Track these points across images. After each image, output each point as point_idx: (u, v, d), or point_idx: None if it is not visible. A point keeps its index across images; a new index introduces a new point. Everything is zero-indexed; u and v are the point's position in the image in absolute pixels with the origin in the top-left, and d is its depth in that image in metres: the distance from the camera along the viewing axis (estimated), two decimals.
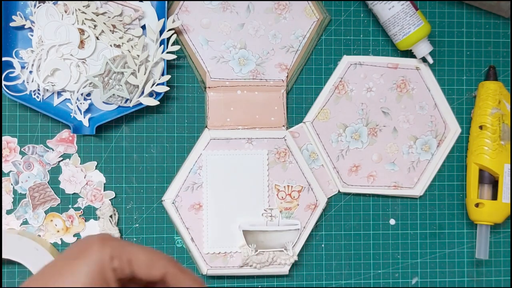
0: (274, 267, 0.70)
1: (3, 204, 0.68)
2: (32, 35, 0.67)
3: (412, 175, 0.73)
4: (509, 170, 0.71)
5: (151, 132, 0.71)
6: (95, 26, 0.67)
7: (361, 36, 0.74)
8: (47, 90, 0.67)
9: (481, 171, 0.72)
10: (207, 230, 0.69)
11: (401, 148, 0.73)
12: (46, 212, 0.69)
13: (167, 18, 0.68)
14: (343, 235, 0.73)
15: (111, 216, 0.69)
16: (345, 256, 0.73)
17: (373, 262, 0.73)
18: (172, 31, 0.68)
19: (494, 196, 0.72)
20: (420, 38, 0.69)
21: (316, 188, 0.71)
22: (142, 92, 0.68)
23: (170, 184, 0.70)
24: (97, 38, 0.67)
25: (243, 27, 0.71)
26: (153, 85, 0.68)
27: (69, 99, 0.68)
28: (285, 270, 0.70)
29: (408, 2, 0.69)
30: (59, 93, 0.68)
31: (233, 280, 0.71)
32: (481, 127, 0.72)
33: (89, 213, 0.70)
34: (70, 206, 0.69)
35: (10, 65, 0.67)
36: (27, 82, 0.67)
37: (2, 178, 0.68)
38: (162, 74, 0.68)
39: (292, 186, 0.71)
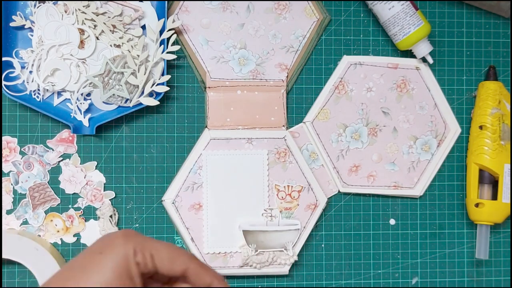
0: (274, 267, 0.70)
1: (3, 204, 0.68)
2: (32, 35, 0.67)
3: (412, 175, 0.73)
4: (509, 170, 0.71)
5: (151, 132, 0.71)
6: (95, 26, 0.67)
7: (361, 36, 0.74)
8: (47, 90, 0.67)
9: (481, 171, 0.72)
10: (207, 230, 0.69)
11: (401, 148, 0.73)
12: (46, 212, 0.69)
13: (167, 18, 0.68)
14: (343, 235, 0.73)
15: (111, 216, 0.69)
16: (345, 256, 0.73)
17: (373, 262, 0.73)
18: (172, 31, 0.68)
19: (494, 196, 0.72)
20: (420, 38, 0.69)
21: (316, 188, 0.71)
22: (142, 92, 0.68)
23: (170, 184, 0.70)
24: (97, 38, 0.67)
25: (243, 27, 0.71)
26: (153, 85, 0.68)
27: (69, 99, 0.68)
28: (285, 270, 0.70)
29: (408, 2, 0.69)
30: (59, 93, 0.68)
31: (233, 280, 0.71)
32: (481, 127, 0.72)
33: (89, 213, 0.70)
34: (70, 206, 0.69)
35: (10, 65, 0.67)
36: (27, 82, 0.67)
37: (2, 178, 0.68)
38: (162, 74, 0.68)
39: (292, 186, 0.71)
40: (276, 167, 0.71)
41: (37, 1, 0.67)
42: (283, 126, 0.71)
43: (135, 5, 0.68)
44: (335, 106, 0.73)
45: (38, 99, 0.67)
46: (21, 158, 0.69)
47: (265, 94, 0.71)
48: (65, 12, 0.67)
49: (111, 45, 0.67)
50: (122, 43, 0.67)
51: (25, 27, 0.67)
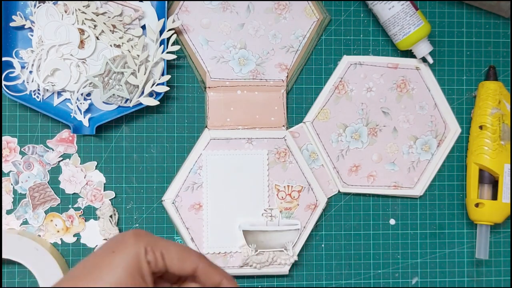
0: (274, 267, 0.70)
1: (3, 204, 0.68)
2: (32, 35, 0.67)
3: (412, 175, 0.73)
4: (509, 170, 0.71)
5: (151, 132, 0.71)
6: (95, 26, 0.67)
7: (361, 36, 0.74)
8: (47, 90, 0.67)
9: (481, 171, 0.72)
10: (207, 230, 0.69)
11: (401, 148, 0.73)
12: (46, 212, 0.69)
13: (167, 18, 0.68)
14: (343, 235, 0.73)
15: (111, 216, 0.69)
16: (345, 256, 0.73)
17: (373, 262, 0.73)
18: (172, 31, 0.68)
19: (494, 196, 0.72)
20: (420, 38, 0.69)
21: (316, 188, 0.71)
22: (142, 92, 0.68)
23: (170, 184, 0.70)
24: (97, 38, 0.67)
25: (243, 27, 0.71)
26: (153, 85, 0.68)
27: (69, 99, 0.68)
28: (285, 270, 0.70)
29: (408, 2, 0.69)
30: (59, 93, 0.68)
31: None
32: (481, 127, 0.72)
33: (89, 213, 0.70)
34: (70, 206, 0.69)
35: (10, 65, 0.67)
36: (27, 82, 0.67)
37: (2, 178, 0.68)
38: (162, 74, 0.68)
39: (292, 186, 0.71)
40: (276, 167, 0.71)
41: (37, 1, 0.67)
42: (283, 126, 0.71)
43: (135, 5, 0.68)
44: (335, 106, 0.73)
45: (38, 99, 0.67)
46: (21, 158, 0.69)
47: (265, 94, 0.71)
48: (65, 12, 0.67)
49: (111, 45, 0.67)
50: (122, 43, 0.67)
51: (25, 27, 0.67)
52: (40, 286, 0.65)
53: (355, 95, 0.73)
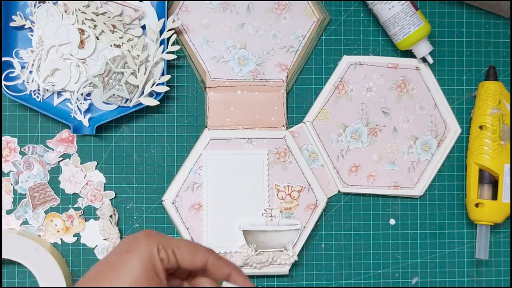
0: (274, 267, 0.70)
1: (3, 204, 0.68)
2: (32, 35, 0.67)
3: (412, 175, 0.73)
4: (509, 170, 0.71)
5: (151, 132, 0.71)
6: (95, 26, 0.67)
7: (361, 36, 0.74)
8: (47, 90, 0.67)
9: (481, 171, 0.72)
10: (207, 230, 0.69)
11: (401, 148, 0.73)
12: (46, 212, 0.69)
13: (167, 18, 0.68)
14: (343, 235, 0.73)
15: (111, 216, 0.69)
16: (345, 256, 0.73)
17: (373, 262, 0.73)
18: (172, 31, 0.68)
19: (494, 196, 0.72)
20: (420, 38, 0.69)
21: (316, 188, 0.71)
22: (142, 92, 0.68)
23: (170, 184, 0.70)
24: (97, 38, 0.67)
25: (243, 27, 0.71)
26: (153, 85, 0.68)
27: (69, 99, 0.68)
28: (285, 270, 0.70)
29: (408, 2, 0.69)
30: (59, 93, 0.68)
31: None
32: (481, 127, 0.72)
33: (89, 213, 0.70)
34: (70, 206, 0.69)
35: (10, 65, 0.67)
36: (27, 82, 0.67)
37: (2, 178, 0.68)
38: (162, 74, 0.68)
39: (292, 186, 0.71)
40: (276, 167, 0.71)
41: (37, 1, 0.67)
42: (283, 126, 0.71)
43: (135, 5, 0.68)
44: (335, 106, 0.73)
45: (38, 99, 0.67)
46: (21, 158, 0.69)
47: (265, 94, 0.71)
48: (65, 12, 0.67)
49: (111, 45, 0.67)
50: (122, 43, 0.67)
51: (25, 27, 0.67)
52: (40, 286, 0.65)
53: (355, 95, 0.73)
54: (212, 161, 0.70)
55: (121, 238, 0.69)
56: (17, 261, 0.65)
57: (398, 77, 0.73)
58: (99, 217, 0.69)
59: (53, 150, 0.69)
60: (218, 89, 0.71)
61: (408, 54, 0.73)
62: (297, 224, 0.70)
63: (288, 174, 0.71)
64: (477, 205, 0.72)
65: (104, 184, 0.70)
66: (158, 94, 0.68)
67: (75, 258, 0.69)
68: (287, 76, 0.72)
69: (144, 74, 0.67)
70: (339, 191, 0.73)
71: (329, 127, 0.72)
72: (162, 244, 0.45)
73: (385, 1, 0.69)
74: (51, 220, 0.69)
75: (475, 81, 0.76)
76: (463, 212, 0.75)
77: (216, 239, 0.69)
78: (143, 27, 0.69)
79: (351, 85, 0.73)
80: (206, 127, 0.71)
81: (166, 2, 0.68)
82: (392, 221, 0.74)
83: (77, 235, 0.70)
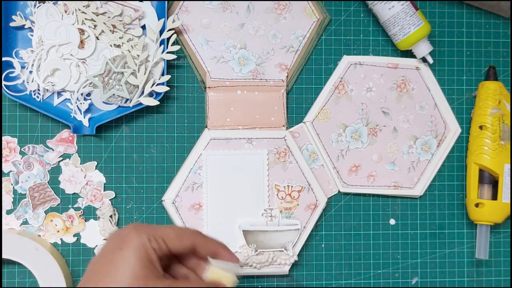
0: (274, 267, 0.70)
1: (3, 204, 0.68)
2: (32, 35, 0.67)
3: (412, 175, 0.73)
4: (509, 170, 0.71)
5: (151, 132, 0.71)
6: (95, 26, 0.67)
7: (361, 36, 0.74)
8: (47, 90, 0.67)
9: (481, 171, 0.72)
10: (207, 230, 0.69)
11: (401, 148, 0.73)
12: (46, 212, 0.69)
13: (167, 18, 0.68)
14: (343, 235, 0.73)
15: (111, 216, 0.69)
16: (345, 256, 0.73)
17: (373, 262, 0.73)
18: (172, 31, 0.68)
19: (494, 196, 0.72)
20: (420, 38, 0.69)
21: (316, 188, 0.71)
22: (142, 92, 0.68)
23: (170, 184, 0.70)
24: (97, 38, 0.67)
25: (243, 27, 0.71)
26: (153, 85, 0.68)
27: (69, 99, 0.68)
28: (285, 270, 0.70)
29: (408, 2, 0.69)
30: (59, 93, 0.68)
31: None
32: (481, 127, 0.72)
33: (89, 213, 0.70)
34: (70, 206, 0.69)
35: (10, 65, 0.67)
36: (27, 82, 0.67)
37: (2, 178, 0.69)
38: (162, 74, 0.68)
39: (292, 186, 0.71)
40: (276, 167, 0.71)
41: (37, 1, 0.67)
42: (283, 126, 0.71)
43: (135, 5, 0.68)
44: (335, 106, 0.73)
45: (38, 99, 0.67)
46: (21, 158, 0.69)
47: (265, 94, 0.71)
48: (65, 12, 0.67)
49: (111, 45, 0.67)
50: (122, 43, 0.67)
51: (25, 27, 0.67)
52: (40, 286, 0.65)
53: (355, 95, 0.73)
54: (212, 161, 0.70)
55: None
56: (17, 261, 0.65)
57: (398, 77, 0.73)
58: (99, 217, 0.69)
59: (53, 150, 0.69)
60: (218, 89, 0.71)
61: (408, 54, 0.73)
62: (297, 224, 0.70)
63: (288, 174, 0.71)
64: (477, 205, 0.72)
65: (104, 184, 0.70)
66: (158, 94, 0.68)
67: (75, 258, 0.69)
68: (287, 76, 0.72)
69: (144, 74, 0.67)
70: (339, 191, 0.73)
71: (329, 127, 0.72)
72: (152, 234, 0.47)
73: (385, 1, 0.69)
74: (51, 220, 0.69)
75: (475, 81, 0.76)
76: (463, 212, 0.75)
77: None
78: (143, 27, 0.69)
79: (351, 85, 0.73)
80: (206, 127, 0.71)
81: (166, 2, 0.68)
82: (392, 221, 0.74)
83: (77, 235, 0.70)
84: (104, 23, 0.67)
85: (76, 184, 0.69)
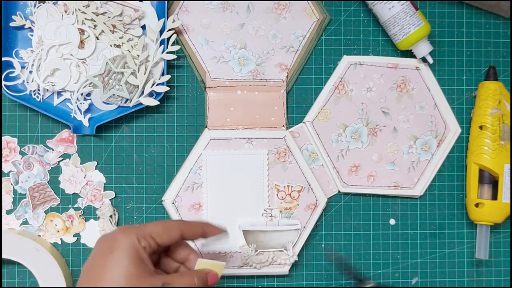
0: (274, 267, 0.70)
1: (3, 204, 0.68)
2: (32, 35, 0.67)
3: (412, 175, 0.73)
4: (509, 170, 0.71)
5: (151, 132, 0.71)
6: (95, 26, 0.67)
7: (361, 36, 0.74)
8: (47, 90, 0.67)
9: (481, 171, 0.72)
10: None
11: (401, 148, 0.73)
12: (46, 212, 0.69)
13: (167, 18, 0.68)
14: (343, 235, 0.73)
15: (111, 216, 0.69)
16: (345, 256, 0.73)
17: (373, 262, 0.73)
18: (172, 31, 0.68)
19: (494, 196, 0.72)
20: (420, 38, 0.69)
21: (316, 188, 0.71)
22: (142, 92, 0.68)
23: (170, 184, 0.70)
24: (97, 38, 0.67)
25: (243, 27, 0.71)
26: (153, 85, 0.68)
27: (69, 99, 0.68)
28: (285, 270, 0.70)
29: (408, 2, 0.69)
30: (59, 93, 0.68)
31: (233, 280, 0.71)
32: (481, 127, 0.72)
33: (89, 213, 0.70)
34: (70, 206, 0.69)
35: (10, 65, 0.67)
36: (27, 82, 0.67)
37: (2, 178, 0.69)
38: (162, 74, 0.68)
39: (292, 186, 0.71)
40: (276, 167, 0.71)
41: (37, 1, 0.67)
42: (283, 126, 0.71)
43: (135, 5, 0.68)
44: (335, 106, 0.73)
45: (38, 99, 0.67)
46: (21, 158, 0.69)
47: (265, 94, 0.71)
48: (65, 12, 0.67)
49: (111, 45, 0.67)
50: (122, 43, 0.67)
51: (25, 27, 0.67)
52: (40, 286, 0.65)
53: (355, 95, 0.73)
54: (212, 161, 0.70)
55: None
56: (17, 261, 0.65)
57: (398, 77, 0.73)
58: (99, 217, 0.69)
59: (53, 150, 0.69)
60: (218, 89, 0.71)
61: (408, 54, 0.73)
62: (297, 224, 0.70)
63: (288, 174, 0.71)
64: (477, 205, 0.72)
65: (104, 184, 0.70)
66: (158, 94, 0.68)
67: (75, 258, 0.69)
68: (287, 76, 0.72)
69: (144, 74, 0.67)
70: (339, 191, 0.73)
71: (329, 127, 0.72)
72: (140, 234, 0.49)
73: (385, 1, 0.69)
74: (51, 220, 0.69)
75: (475, 81, 0.76)
76: (463, 212, 0.75)
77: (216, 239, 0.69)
78: (143, 27, 0.69)
79: (351, 85, 0.73)
80: (206, 127, 0.71)
81: (166, 2, 0.68)
82: (392, 221, 0.74)
83: (77, 235, 0.70)
84: (104, 23, 0.67)
85: (76, 184, 0.69)
